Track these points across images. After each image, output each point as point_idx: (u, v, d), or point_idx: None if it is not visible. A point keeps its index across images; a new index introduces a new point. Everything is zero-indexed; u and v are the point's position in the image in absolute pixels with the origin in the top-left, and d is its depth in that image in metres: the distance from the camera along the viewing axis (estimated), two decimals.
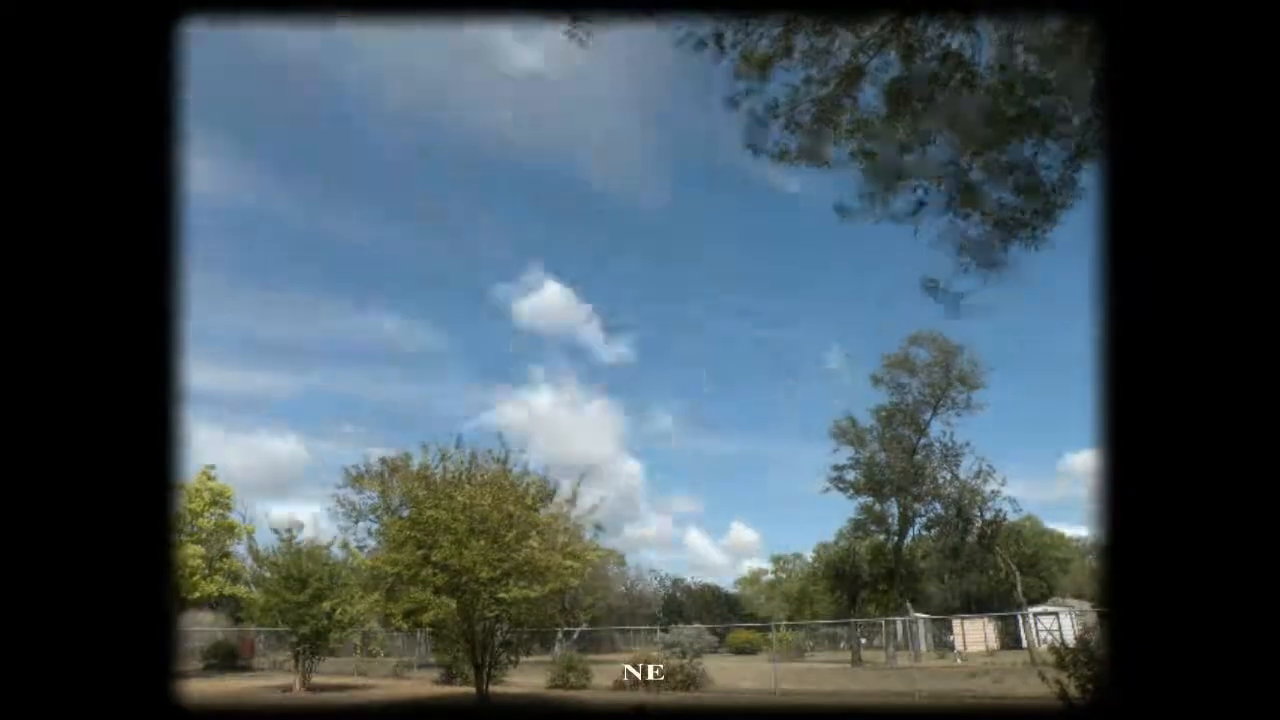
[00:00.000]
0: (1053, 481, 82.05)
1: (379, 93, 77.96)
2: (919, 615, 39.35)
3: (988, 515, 35.45)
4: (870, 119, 6.74)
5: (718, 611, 58.58)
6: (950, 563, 41.00)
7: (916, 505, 35.53)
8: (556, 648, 30.65)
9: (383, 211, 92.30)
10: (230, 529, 34.17)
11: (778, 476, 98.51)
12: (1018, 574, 37.07)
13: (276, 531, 22.70)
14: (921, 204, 6.91)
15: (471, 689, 17.75)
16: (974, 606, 46.41)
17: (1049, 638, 23.36)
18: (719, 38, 6.48)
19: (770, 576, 71.69)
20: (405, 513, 17.26)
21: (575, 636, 34.46)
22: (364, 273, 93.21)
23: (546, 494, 17.80)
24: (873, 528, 37.01)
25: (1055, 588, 52.19)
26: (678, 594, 63.47)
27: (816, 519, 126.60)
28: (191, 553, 31.38)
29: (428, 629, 17.67)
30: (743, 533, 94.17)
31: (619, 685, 20.74)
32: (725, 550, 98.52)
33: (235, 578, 33.05)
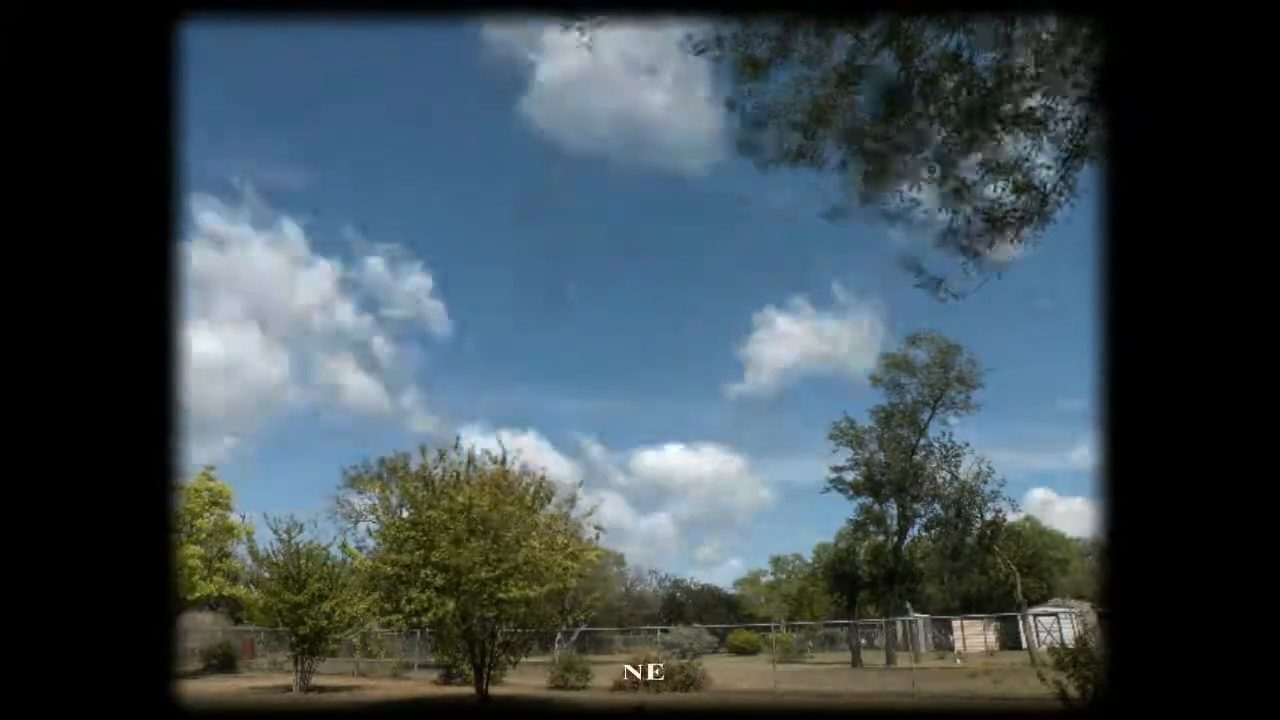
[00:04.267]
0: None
1: None
2: (919, 616, 39.33)
3: (987, 515, 35.45)
4: (866, 119, 6.74)
5: (717, 612, 58.52)
6: (950, 563, 40.94)
7: (916, 505, 35.52)
8: (556, 648, 30.63)
9: None
10: (229, 529, 34.12)
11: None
12: (1017, 574, 37.04)
13: (275, 531, 22.70)
14: (917, 203, 6.92)
15: (471, 689, 17.75)
16: (974, 607, 46.37)
17: (1049, 638, 23.36)
18: (718, 41, 6.49)
19: (769, 577, 71.59)
20: (405, 513, 17.25)
21: (575, 637, 34.42)
22: None
23: (545, 494, 17.79)
24: (872, 528, 37.00)
25: (1055, 588, 52.15)
26: (678, 594, 63.43)
27: (816, 519, 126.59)
28: (191, 553, 31.36)
29: (428, 629, 17.67)
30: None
31: (619, 685, 20.73)
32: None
33: (234, 578, 33.00)
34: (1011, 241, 6.84)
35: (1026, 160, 6.63)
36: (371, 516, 18.20)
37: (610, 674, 21.74)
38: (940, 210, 6.86)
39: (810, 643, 40.87)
